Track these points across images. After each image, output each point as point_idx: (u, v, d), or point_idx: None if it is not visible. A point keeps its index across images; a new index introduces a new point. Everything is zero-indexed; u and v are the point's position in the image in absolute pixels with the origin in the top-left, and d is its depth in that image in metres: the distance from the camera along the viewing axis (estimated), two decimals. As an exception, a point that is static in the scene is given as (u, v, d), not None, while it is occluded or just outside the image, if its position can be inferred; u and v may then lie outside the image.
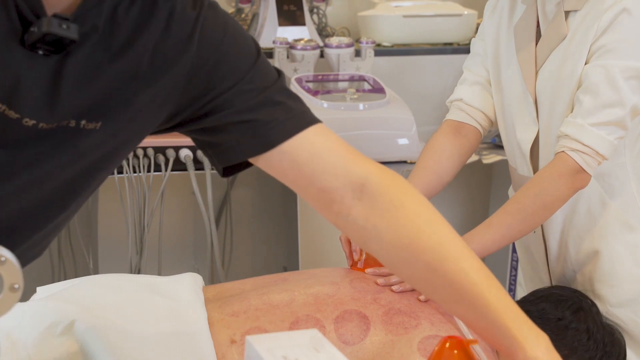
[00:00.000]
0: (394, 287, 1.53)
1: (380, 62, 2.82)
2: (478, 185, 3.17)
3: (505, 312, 1.13)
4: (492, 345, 1.19)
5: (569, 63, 1.66)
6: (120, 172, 2.35)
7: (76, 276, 2.50)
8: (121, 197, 2.38)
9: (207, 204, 2.41)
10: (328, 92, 2.58)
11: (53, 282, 1.97)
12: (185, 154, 2.37)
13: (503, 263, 2.86)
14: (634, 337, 1.73)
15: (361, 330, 1.45)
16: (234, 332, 1.43)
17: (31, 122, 1.01)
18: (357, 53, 2.75)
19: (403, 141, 2.44)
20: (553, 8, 1.70)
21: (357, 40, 2.80)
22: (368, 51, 2.73)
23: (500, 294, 1.14)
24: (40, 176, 1.05)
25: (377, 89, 2.56)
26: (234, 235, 2.89)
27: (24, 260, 0.96)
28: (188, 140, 2.32)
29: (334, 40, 2.72)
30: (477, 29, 1.90)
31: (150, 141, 2.34)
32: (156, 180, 2.38)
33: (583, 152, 1.60)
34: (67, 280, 1.55)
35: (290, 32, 2.79)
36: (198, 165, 2.39)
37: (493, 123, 1.85)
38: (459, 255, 1.15)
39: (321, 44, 2.76)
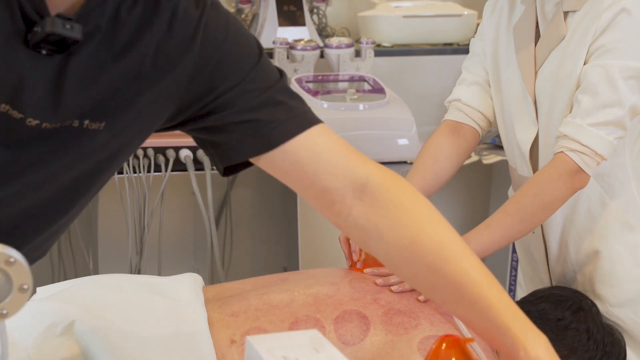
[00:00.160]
0: (393, 288, 1.53)
1: (380, 62, 2.82)
2: (478, 185, 3.17)
3: (505, 311, 1.13)
4: (492, 345, 1.19)
5: (568, 63, 1.66)
6: (120, 172, 2.35)
7: (76, 276, 2.50)
8: (121, 197, 2.38)
9: (207, 204, 2.41)
10: (328, 92, 2.58)
11: (53, 282, 1.97)
12: (185, 154, 2.37)
13: (503, 263, 2.86)
14: (634, 337, 1.73)
15: (361, 331, 1.45)
16: (233, 332, 1.43)
17: (34, 122, 1.01)
18: (357, 53, 2.75)
19: (403, 141, 2.44)
20: (552, 8, 1.70)
21: (357, 41, 2.80)
22: (368, 51, 2.73)
23: (501, 294, 1.14)
24: (45, 177, 1.05)
25: (377, 90, 2.57)
26: (234, 236, 2.89)
27: (28, 262, 0.96)
28: (188, 141, 2.33)
29: (334, 41, 2.72)
30: (477, 29, 1.90)
31: (150, 142, 2.34)
32: (156, 180, 2.38)
33: (582, 153, 1.60)
34: (67, 281, 1.55)
35: (290, 33, 2.79)
36: (198, 166, 2.39)
37: (491, 123, 1.85)
38: (460, 255, 1.15)
39: (321, 44, 2.76)
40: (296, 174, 1.16)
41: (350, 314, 1.46)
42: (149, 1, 1.06)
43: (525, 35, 1.74)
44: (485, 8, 1.87)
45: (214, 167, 2.57)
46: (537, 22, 1.73)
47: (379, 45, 2.86)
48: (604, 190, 1.73)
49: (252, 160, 1.16)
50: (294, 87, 2.55)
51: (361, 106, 2.45)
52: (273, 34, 2.80)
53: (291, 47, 2.69)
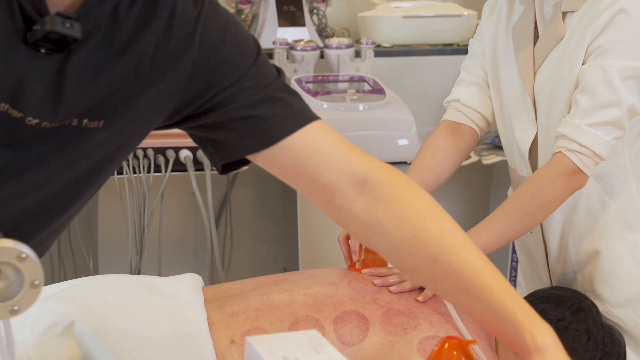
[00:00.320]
0: (391, 288, 1.53)
1: (380, 62, 2.82)
2: (478, 186, 3.17)
3: (509, 299, 1.12)
4: (497, 335, 1.18)
5: (566, 64, 1.66)
6: (120, 173, 2.35)
7: (76, 277, 2.50)
8: (121, 197, 2.38)
9: (207, 205, 2.41)
10: (328, 92, 2.58)
11: (53, 282, 1.97)
12: (185, 154, 2.37)
13: (503, 263, 2.86)
14: (634, 337, 1.73)
15: (360, 331, 1.45)
16: (233, 332, 1.43)
17: (34, 122, 1.01)
18: (357, 54, 2.75)
19: (403, 142, 2.44)
20: (550, 9, 1.70)
21: (357, 41, 2.80)
22: (368, 52, 2.73)
23: (503, 283, 1.13)
24: (44, 176, 1.05)
25: (377, 90, 2.57)
26: (233, 236, 2.90)
27: None
28: (188, 141, 2.33)
29: (333, 41, 2.72)
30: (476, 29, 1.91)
31: (150, 142, 2.34)
32: (156, 181, 2.38)
33: (580, 153, 1.60)
34: (67, 281, 1.55)
35: (290, 33, 2.79)
36: (198, 166, 2.39)
37: (490, 124, 1.86)
38: (462, 246, 1.15)
39: (321, 44, 2.76)
40: (295, 170, 1.16)
41: (349, 315, 1.47)
42: (147, 1, 1.06)
43: (524, 36, 1.74)
44: (484, 8, 1.88)
45: (214, 168, 2.57)
46: (535, 23, 1.74)
47: (378, 46, 2.86)
48: (604, 190, 1.73)
49: (250, 157, 1.16)
50: (294, 87, 2.55)
51: (361, 106, 2.45)
52: (273, 34, 2.80)
53: (291, 47, 2.69)
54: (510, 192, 1.93)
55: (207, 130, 1.16)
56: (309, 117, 1.16)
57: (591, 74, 1.61)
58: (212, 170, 2.41)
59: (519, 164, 1.80)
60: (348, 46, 2.71)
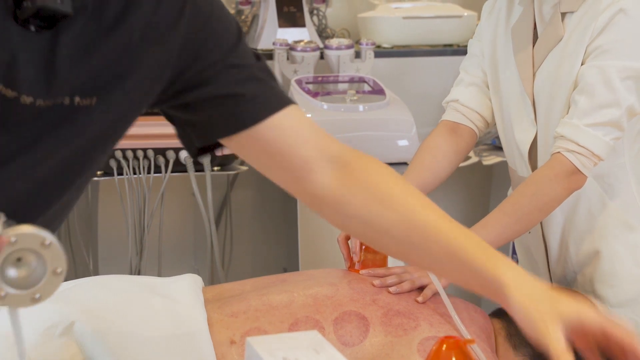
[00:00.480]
0: (390, 289, 1.53)
1: (380, 63, 2.82)
2: (478, 186, 3.17)
3: (478, 252, 1.13)
4: (483, 293, 1.17)
5: (566, 64, 1.66)
6: (120, 173, 2.35)
7: (76, 277, 2.49)
8: (121, 198, 2.39)
9: (207, 205, 2.41)
10: (328, 93, 2.58)
11: (53, 283, 1.96)
12: (185, 155, 2.37)
13: (503, 264, 2.85)
14: (634, 337, 1.73)
15: (360, 332, 1.45)
16: (233, 332, 1.43)
17: (29, 100, 1.01)
18: (357, 54, 2.75)
19: (403, 142, 2.44)
20: (550, 9, 1.70)
21: (357, 42, 2.80)
22: (368, 52, 2.73)
23: (469, 234, 1.15)
24: (39, 157, 1.04)
25: (377, 91, 2.57)
26: (233, 236, 2.90)
27: None
28: (188, 142, 2.32)
29: (333, 42, 2.72)
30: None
31: (151, 143, 2.35)
32: (156, 181, 2.38)
33: (579, 153, 1.60)
34: (67, 281, 1.55)
35: (290, 34, 2.79)
36: (198, 167, 2.40)
37: (489, 124, 1.86)
38: (427, 205, 1.16)
39: (321, 45, 2.76)
40: (277, 147, 1.15)
41: (349, 315, 1.47)
42: None
43: (524, 37, 1.74)
44: (483, 9, 1.88)
45: (214, 168, 2.59)
46: (535, 23, 1.74)
47: (378, 47, 2.86)
48: (604, 190, 1.73)
49: (230, 138, 1.15)
50: (294, 88, 2.55)
51: (361, 107, 2.45)
52: (273, 35, 2.80)
53: (291, 48, 2.69)
54: (510, 192, 1.93)
55: (188, 111, 1.15)
56: (289, 99, 1.18)
57: (590, 75, 1.61)
58: (213, 171, 2.41)
59: (518, 165, 1.80)
60: (348, 47, 2.70)
